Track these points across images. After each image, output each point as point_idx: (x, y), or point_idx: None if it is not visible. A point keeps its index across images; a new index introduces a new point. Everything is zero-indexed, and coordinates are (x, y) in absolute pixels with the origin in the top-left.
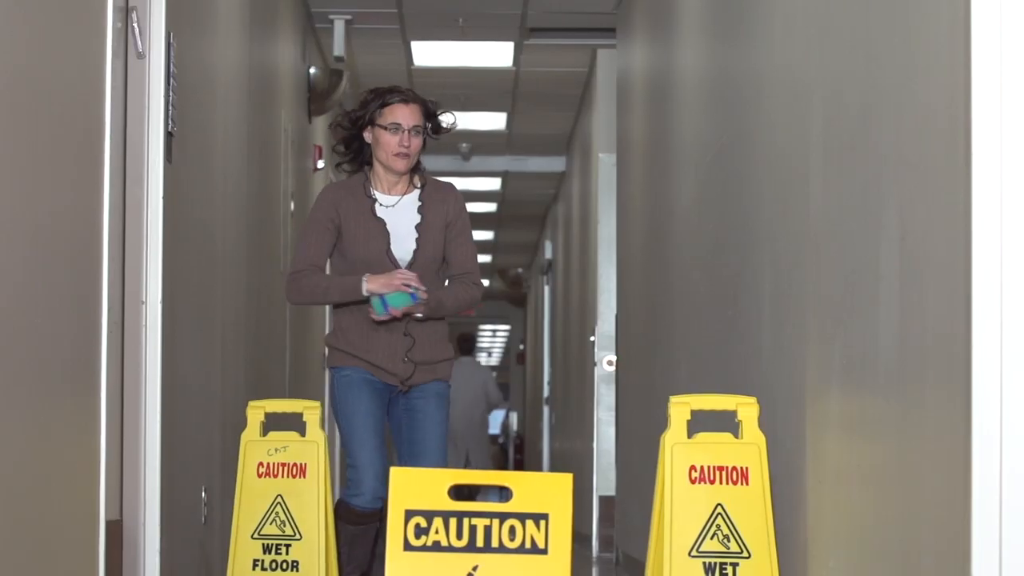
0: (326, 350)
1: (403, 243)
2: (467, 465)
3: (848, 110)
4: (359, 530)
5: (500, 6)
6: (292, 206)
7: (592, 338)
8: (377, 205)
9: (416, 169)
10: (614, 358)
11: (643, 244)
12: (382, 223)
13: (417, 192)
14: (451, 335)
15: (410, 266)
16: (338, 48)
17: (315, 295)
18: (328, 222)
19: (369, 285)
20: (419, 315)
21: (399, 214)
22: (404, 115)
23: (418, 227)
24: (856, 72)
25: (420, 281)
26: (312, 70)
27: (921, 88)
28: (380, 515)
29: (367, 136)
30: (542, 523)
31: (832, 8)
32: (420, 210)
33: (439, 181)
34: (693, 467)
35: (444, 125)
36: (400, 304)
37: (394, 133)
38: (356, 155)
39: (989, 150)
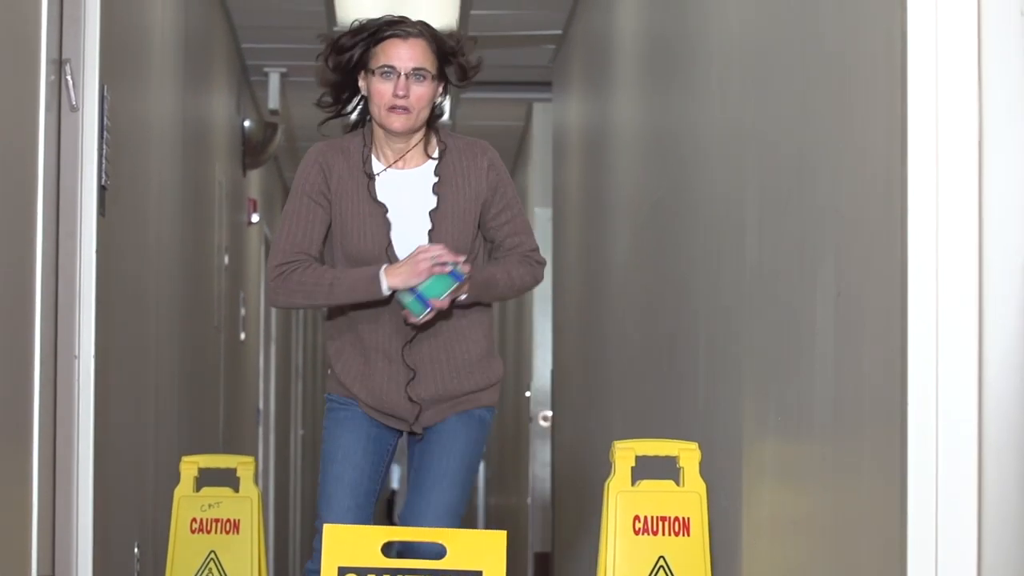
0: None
1: (410, 235)
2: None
3: (784, 165)
4: None
5: None
6: (226, 259)
7: (528, 393)
8: (375, 184)
9: (433, 129)
10: (550, 414)
11: (579, 299)
12: (381, 209)
13: (434, 164)
14: None
15: None
16: (273, 101)
17: (312, 293)
18: (318, 195)
19: (391, 280)
20: (463, 297)
21: (407, 194)
22: (400, 54)
23: (432, 213)
24: (792, 126)
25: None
26: (247, 123)
27: (857, 143)
28: None
29: (361, 85)
30: None
31: (768, 62)
32: (436, 188)
33: (468, 140)
34: (637, 517)
35: (469, 64)
36: (442, 292)
37: (386, 79)
38: (346, 106)
39: (925, 205)
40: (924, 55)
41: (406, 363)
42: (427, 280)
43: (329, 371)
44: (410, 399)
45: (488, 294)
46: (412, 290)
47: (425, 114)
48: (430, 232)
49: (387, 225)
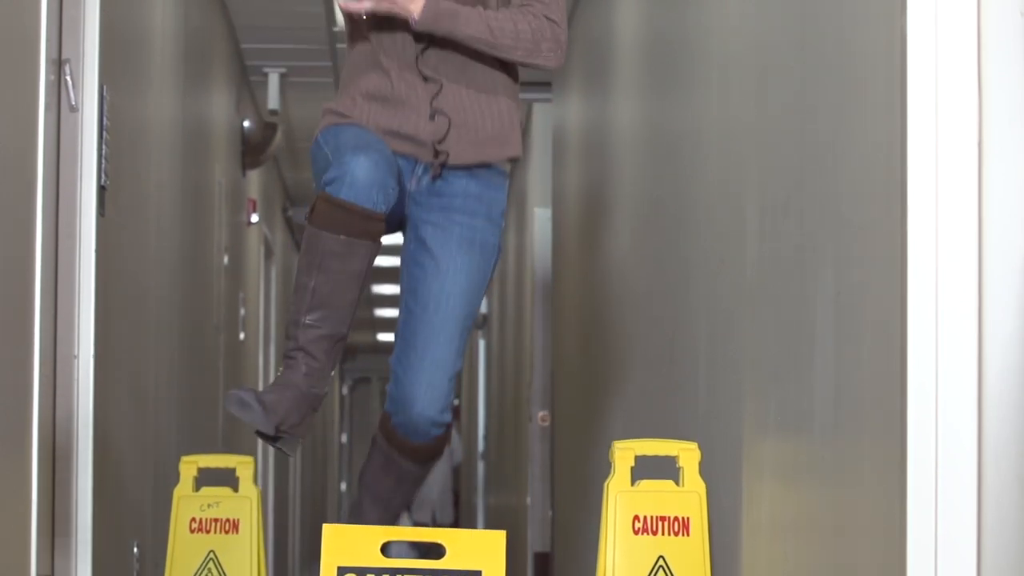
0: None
1: None
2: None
3: (784, 165)
4: (341, 246)
5: None
6: (226, 260)
7: (527, 393)
8: None
9: None
10: (547, 413)
11: (578, 298)
12: None
13: None
14: None
15: None
16: (273, 101)
17: None
18: None
19: None
20: (414, 18)
21: None
22: None
23: None
24: (792, 127)
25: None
26: (246, 123)
27: (857, 144)
28: (378, 227)
29: None
30: None
31: (768, 64)
32: None
33: None
34: (636, 517)
35: None
36: None
37: None
38: None
39: (925, 206)
40: (924, 56)
41: (431, 78)
42: None
43: (325, 111)
44: (431, 116)
45: (455, 25)
46: None
47: None
48: None
49: None
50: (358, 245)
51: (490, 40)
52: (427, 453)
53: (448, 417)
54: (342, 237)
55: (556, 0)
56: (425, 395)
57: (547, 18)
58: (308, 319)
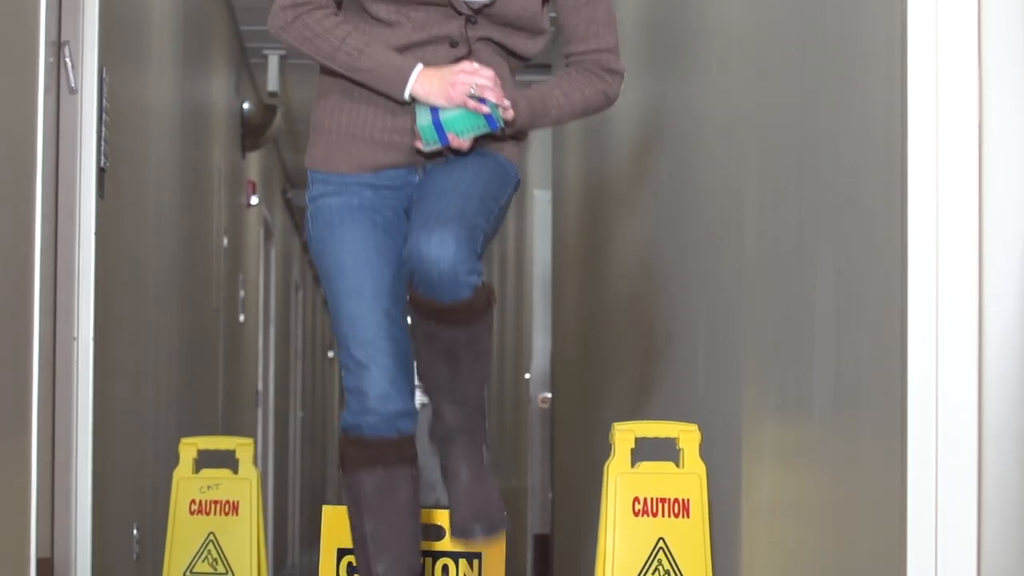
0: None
1: None
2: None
3: (784, 147)
4: (380, 480)
5: None
6: (225, 242)
7: (527, 375)
8: None
9: None
10: (548, 396)
11: (578, 281)
12: None
13: None
14: None
15: (478, 13)
16: (272, 83)
17: (328, 53)
18: None
19: (418, 86)
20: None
21: None
22: None
23: None
24: (792, 109)
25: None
26: (246, 105)
27: (857, 125)
28: (411, 450)
29: None
30: (475, 562)
31: (769, 46)
32: None
33: None
34: (636, 499)
35: None
36: (465, 130)
37: None
38: None
39: (925, 187)
40: (924, 37)
41: None
42: (455, 110)
43: (312, 137)
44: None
45: (536, 125)
46: (433, 111)
47: None
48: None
49: None
50: (398, 473)
51: (557, 122)
52: (464, 312)
53: (475, 278)
54: (380, 471)
55: (616, 42)
56: (441, 242)
57: (608, 70)
58: (380, 570)
